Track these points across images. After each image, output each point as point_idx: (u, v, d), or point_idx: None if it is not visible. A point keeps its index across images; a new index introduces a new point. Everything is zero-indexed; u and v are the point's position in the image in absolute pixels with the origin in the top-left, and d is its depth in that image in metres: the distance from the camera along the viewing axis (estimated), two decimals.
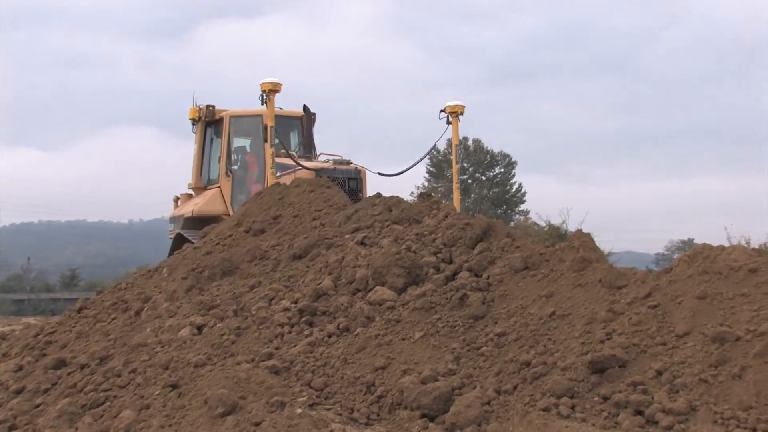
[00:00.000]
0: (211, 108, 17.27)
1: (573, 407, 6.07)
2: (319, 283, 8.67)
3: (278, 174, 14.53)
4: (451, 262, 8.58)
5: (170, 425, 6.82)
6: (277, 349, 7.68)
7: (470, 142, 53.58)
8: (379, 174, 16.29)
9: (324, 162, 15.74)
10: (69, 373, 8.57)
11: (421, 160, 16.66)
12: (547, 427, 5.89)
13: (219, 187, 16.70)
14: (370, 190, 15.47)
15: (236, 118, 16.81)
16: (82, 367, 8.56)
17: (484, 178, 57.96)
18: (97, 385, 7.99)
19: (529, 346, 6.89)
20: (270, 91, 14.18)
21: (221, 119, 17.01)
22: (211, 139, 17.53)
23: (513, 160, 59.10)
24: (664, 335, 6.44)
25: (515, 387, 6.51)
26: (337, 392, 6.98)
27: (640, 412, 5.83)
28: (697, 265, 7.02)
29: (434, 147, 15.52)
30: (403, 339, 7.47)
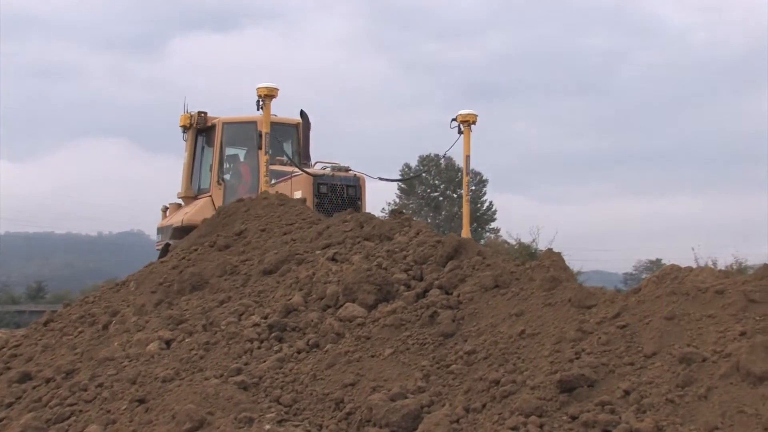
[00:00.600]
0: (203, 114, 16.91)
1: (541, 426, 6.08)
2: (290, 299, 8.65)
3: (273, 182, 14.18)
4: (421, 279, 8.60)
5: None
6: (246, 364, 7.66)
7: (442, 160, 53.78)
8: (380, 179, 16.23)
9: (322, 169, 15.43)
10: (34, 387, 8.50)
11: (427, 169, 16.36)
12: None
13: (210, 196, 16.36)
14: (368, 198, 15.40)
15: (229, 124, 16.47)
16: (48, 381, 8.49)
17: (455, 195, 58.17)
18: (63, 399, 7.92)
19: (499, 365, 6.90)
20: (266, 96, 13.73)
21: (213, 126, 16.63)
22: (203, 148, 17.14)
23: (484, 177, 59.44)
24: (632, 355, 6.46)
25: (484, 405, 6.52)
26: (306, 408, 6.97)
27: None
28: (665, 285, 7.09)
29: (444, 156, 15.46)
30: (373, 356, 7.48)
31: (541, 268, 8.11)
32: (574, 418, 6.08)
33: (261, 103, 13.79)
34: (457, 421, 6.40)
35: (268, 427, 6.45)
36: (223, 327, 8.41)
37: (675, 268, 7.38)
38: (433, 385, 6.95)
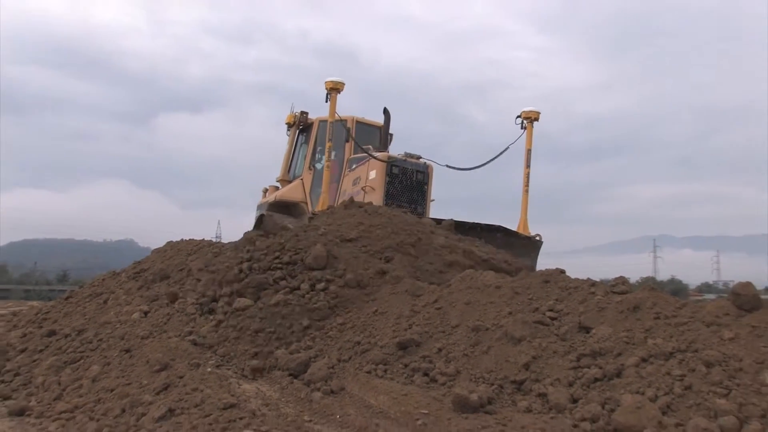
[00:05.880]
0: (305, 114, 14.29)
1: (386, 371, 6.09)
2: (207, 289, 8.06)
3: (354, 166, 11.79)
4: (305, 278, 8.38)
5: (123, 376, 6.51)
6: (194, 328, 7.42)
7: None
8: (447, 167, 12.11)
9: (396, 154, 12.05)
10: (57, 340, 8.07)
11: (494, 159, 12.01)
12: (369, 383, 5.88)
13: (302, 179, 13.68)
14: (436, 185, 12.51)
15: (323, 122, 13.44)
16: (66, 336, 8.08)
17: None
18: (75, 348, 7.57)
19: (360, 332, 6.87)
20: (332, 89, 10.99)
21: (311, 124, 14.01)
22: (301, 143, 14.49)
23: None
24: (444, 326, 6.53)
25: (350, 358, 6.48)
26: (234, 358, 6.79)
27: (426, 374, 5.90)
28: (465, 282, 7.19)
29: (507, 149, 11.98)
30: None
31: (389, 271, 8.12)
32: (406, 365, 6.10)
33: (328, 95, 11.05)
34: (333, 367, 6.34)
35: (209, 369, 6.26)
36: (177, 305, 8.10)
37: (473, 272, 7.50)
38: (318, 344, 6.87)
